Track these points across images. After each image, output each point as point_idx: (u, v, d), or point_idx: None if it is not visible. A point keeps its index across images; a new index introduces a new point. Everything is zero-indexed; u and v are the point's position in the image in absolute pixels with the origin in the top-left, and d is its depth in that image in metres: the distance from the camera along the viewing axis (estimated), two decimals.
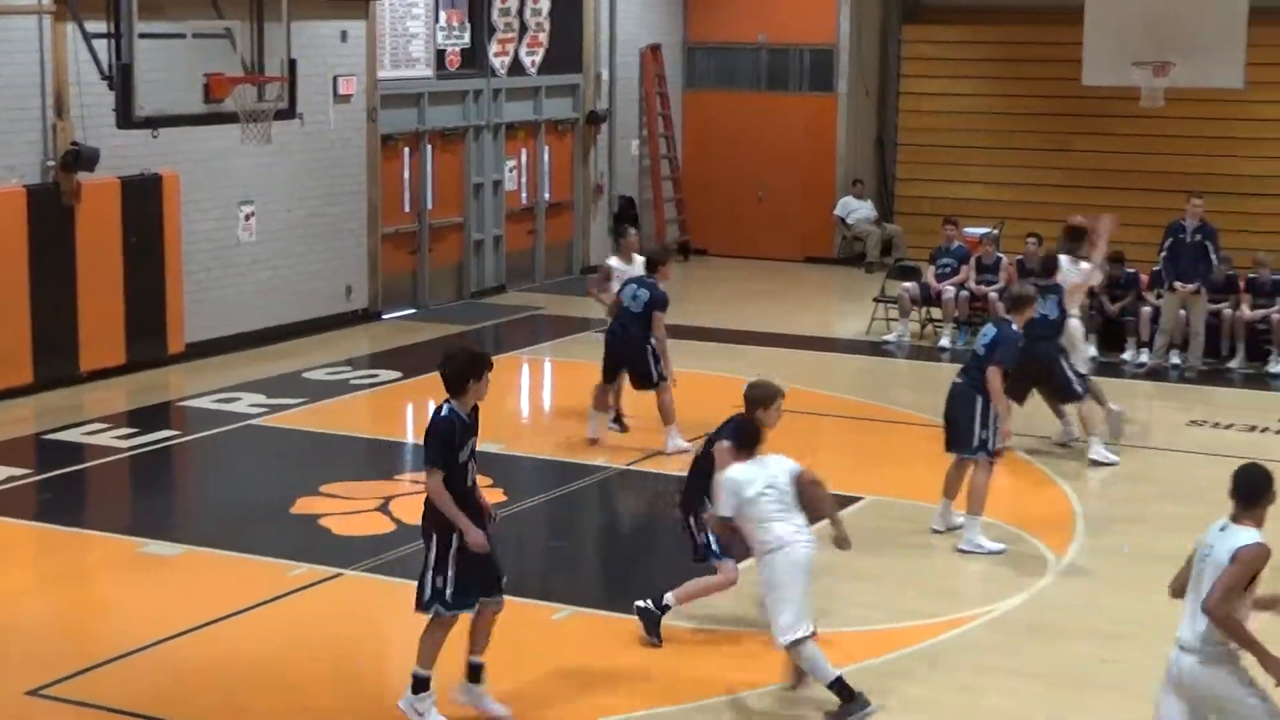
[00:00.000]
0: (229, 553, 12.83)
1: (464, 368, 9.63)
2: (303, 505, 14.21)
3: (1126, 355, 20.37)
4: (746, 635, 11.34)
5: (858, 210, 27.14)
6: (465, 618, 9.83)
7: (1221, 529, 8.08)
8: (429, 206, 23.57)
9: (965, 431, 13.34)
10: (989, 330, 13.64)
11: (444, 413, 9.61)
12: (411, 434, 17.47)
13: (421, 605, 9.73)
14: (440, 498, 9.53)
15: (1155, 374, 19.68)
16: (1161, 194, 23.44)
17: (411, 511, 13.77)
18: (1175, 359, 19.96)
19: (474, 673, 9.95)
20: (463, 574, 9.62)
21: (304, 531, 13.54)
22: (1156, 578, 12.38)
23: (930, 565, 12.83)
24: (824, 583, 12.22)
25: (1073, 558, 12.98)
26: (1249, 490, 8.08)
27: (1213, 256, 19.61)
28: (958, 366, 19.76)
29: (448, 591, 9.63)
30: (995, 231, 22.93)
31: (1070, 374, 15.62)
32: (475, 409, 9.72)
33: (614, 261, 17.10)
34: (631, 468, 15.56)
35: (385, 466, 15.63)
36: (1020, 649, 11.15)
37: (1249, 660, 7.90)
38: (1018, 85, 26.74)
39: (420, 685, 9.74)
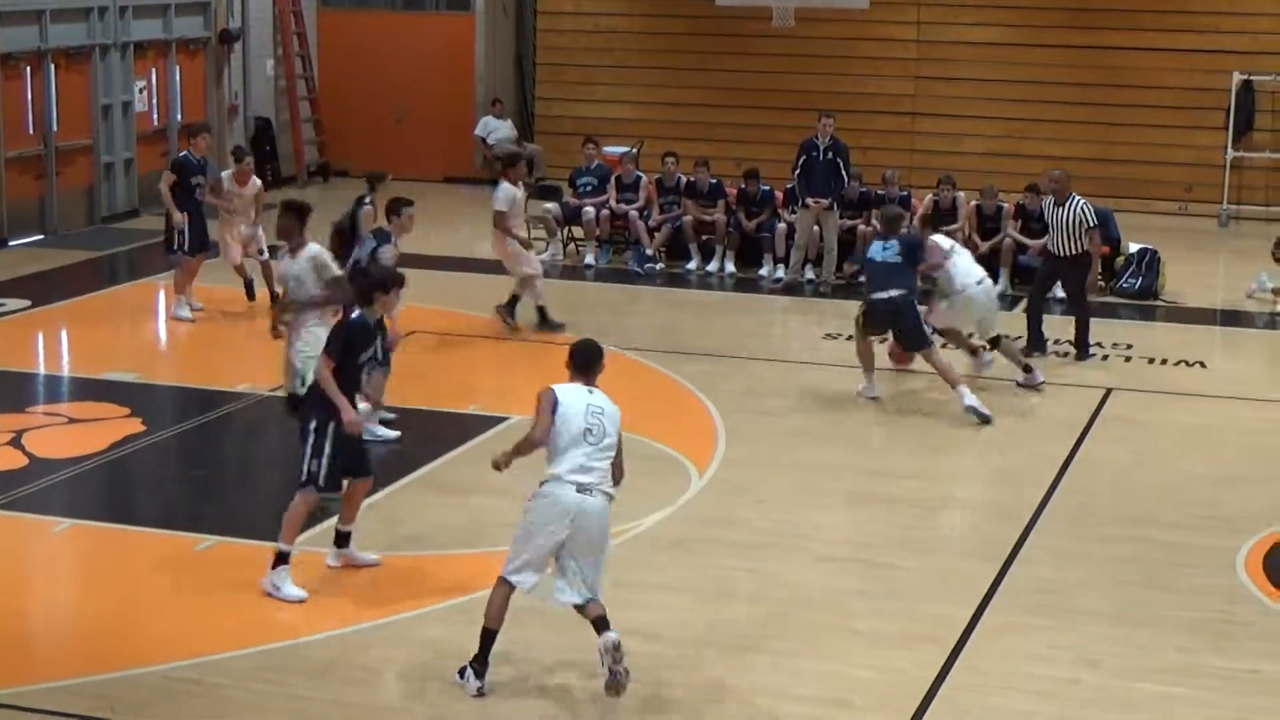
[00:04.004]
0: None
1: (376, 282, 11.02)
2: None
3: (763, 271, 20.85)
4: (393, 560, 11.33)
5: (498, 130, 27.10)
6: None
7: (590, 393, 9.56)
8: (54, 129, 22.69)
9: (916, 332, 15.15)
10: (893, 242, 15.26)
11: (354, 315, 10.87)
12: (43, 364, 16.93)
13: (300, 485, 10.72)
14: (327, 384, 10.58)
15: (791, 289, 20.19)
16: (795, 112, 23.97)
17: (46, 445, 13.43)
18: (810, 274, 20.50)
19: (343, 539, 11.09)
20: (335, 458, 10.67)
21: None
22: (795, 489, 12.89)
23: None
24: (476, 502, 12.35)
25: (714, 471, 13.26)
26: (583, 359, 9.73)
27: (844, 173, 20.16)
28: (602, 285, 20.35)
29: (321, 475, 10.67)
30: (635, 150, 23.17)
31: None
32: (380, 321, 11.03)
33: (225, 176, 18.43)
34: (275, 394, 15.32)
35: (16, 399, 15.08)
36: (663, 564, 11.37)
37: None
38: (654, 4, 27.03)
39: (281, 560, 10.63)
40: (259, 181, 18.40)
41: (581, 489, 9.40)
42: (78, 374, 16.08)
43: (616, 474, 9.60)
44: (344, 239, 14.60)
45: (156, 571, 11.17)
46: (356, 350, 10.82)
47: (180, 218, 17.91)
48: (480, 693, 9.37)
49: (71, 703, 9.18)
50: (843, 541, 11.88)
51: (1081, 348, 17.09)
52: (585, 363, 9.76)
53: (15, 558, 11.61)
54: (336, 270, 12.91)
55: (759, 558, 11.54)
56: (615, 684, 9.19)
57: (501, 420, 14.37)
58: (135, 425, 14.16)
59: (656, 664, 9.74)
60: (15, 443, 13.63)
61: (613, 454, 9.54)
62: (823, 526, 12.17)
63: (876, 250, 15.52)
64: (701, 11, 25.88)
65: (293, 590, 10.63)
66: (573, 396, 9.58)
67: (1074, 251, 16.75)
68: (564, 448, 9.46)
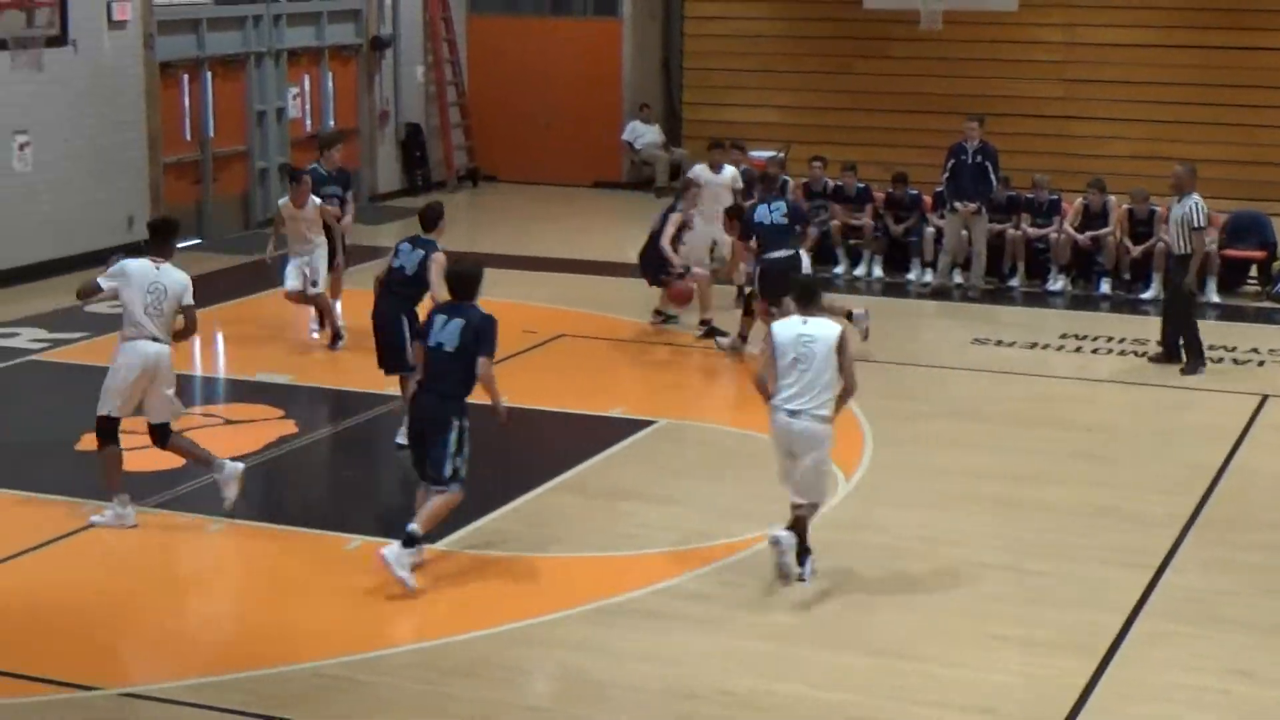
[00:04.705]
0: (13, 491, 12.57)
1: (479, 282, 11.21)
2: (89, 442, 13.89)
3: (911, 275, 20.74)
4: (538, 562, 11.42)
5: (645, 135, 27.19)
6: None
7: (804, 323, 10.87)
8: (211, 135, 23.14)
9: None
10: (779, 203, 16.40)
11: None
12: (200, 366, 17.23)
13: (443, 481, 10.93)
14: (491, 382, 10.93)
15: (939, 294, 20.07)
16: (942, 115, 23.80)
17: (202, 445, 13.66)
18: (958, 279, 20.36)
19: (412, 540, 10.85)
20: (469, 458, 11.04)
21: (90, 468, 13.27)
22: (942, 494, 12.80)
23: (725, 487, 12.97)
24: (623, 506, 12.42)
25: (860, 475, 13.21)
26: (802, 291, 11.22)
27: (993, 177, 20.00)
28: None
29: (462, 471, 10.97)
30: (781, 154, 23.12)
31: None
32: None
33: (283, 204, 17.08)
34: None
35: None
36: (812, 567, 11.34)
37: None
38: (801, 8, 26.94)
39: (412, 541, 10.75)
40: (318, 201, 17.04)
41: (792, 414, 10.79)
42: (233, 376, 16.35)
43: (847, 390, 10.96)
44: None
45: (308, 570, 11.34)
46: None
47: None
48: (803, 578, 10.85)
49: (223, 697, 9.33)
50: (990, 547, 11.78)
51: (1179, 352, 16.61)
52: (804, 295, 11.16)
53: (171, 556, 11.84)
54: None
55: (904, 563, 11.48)
56: (782, 573, 10.88)
57: (648, 424, 14.42)
58: (289, 427, 14.38)
59: (802, 667, 9.74)
60: None
61: (825, 377, 10.76)
62: (969, 532, 12.08)
63: (764, 213, 16.01)
64: (849, 14, 25.79)
65: (409, 577, 10.69)
66: (786, 331, 10.90)
67: (1181, 250, 16.48)
68: (779, 378, 10.86)
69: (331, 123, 25.31)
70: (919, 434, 14.50)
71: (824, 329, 10.83)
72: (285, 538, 11.96)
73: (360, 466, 14.02)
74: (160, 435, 12.20)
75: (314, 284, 16.91)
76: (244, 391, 15.52)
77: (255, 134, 23.85)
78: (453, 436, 10.91)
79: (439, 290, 12.86)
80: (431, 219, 13.81)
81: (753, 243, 16.35)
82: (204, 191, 23.07)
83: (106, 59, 21.01)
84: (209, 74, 23.01)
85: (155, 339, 12.00)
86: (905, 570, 11.34)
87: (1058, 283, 20.27)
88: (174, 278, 12.10)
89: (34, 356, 16.62)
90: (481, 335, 10.91)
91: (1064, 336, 18.01)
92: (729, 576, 11.13)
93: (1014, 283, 20.45)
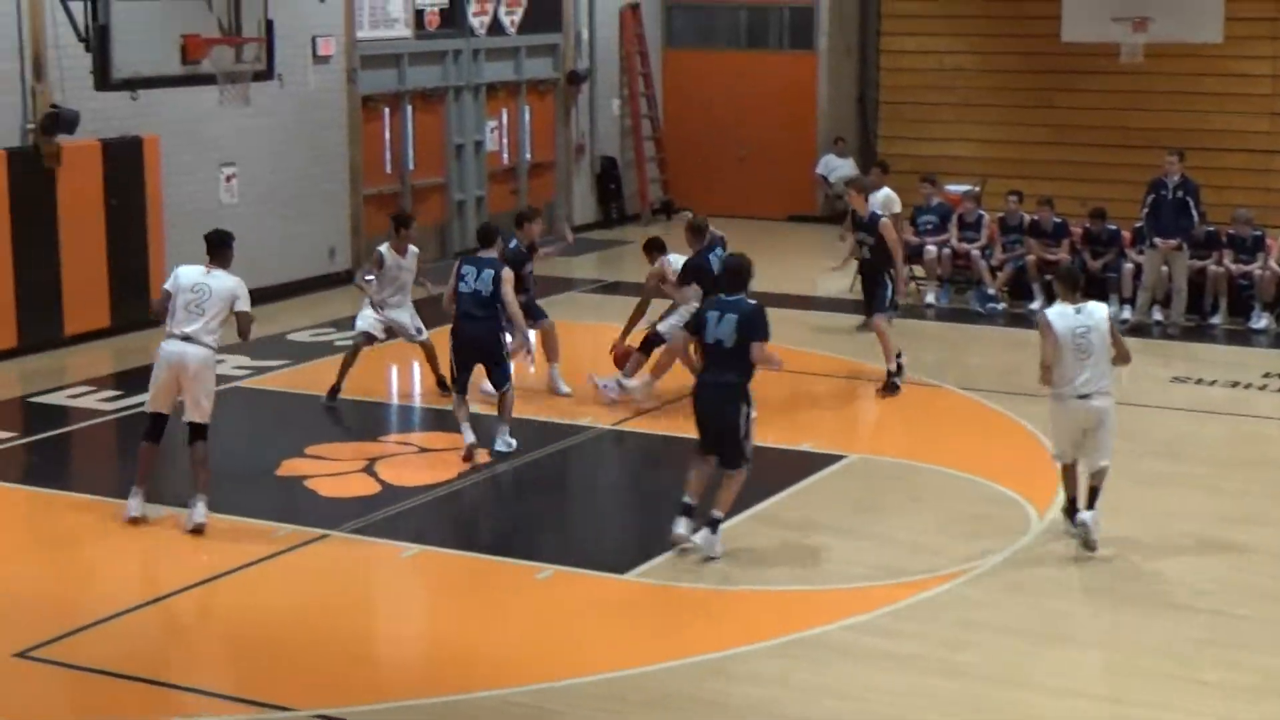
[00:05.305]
0: (215, 515, 12.83)
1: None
2: (288, 467, 14.23)
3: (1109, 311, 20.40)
4: (728, 594, 11.41)
5: (840, 168, 27.12)
6: None
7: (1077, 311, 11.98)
8: (410, 167, 23.53)
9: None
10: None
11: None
12: (395, 395, 17.50)
13: (736, 465, 11.92)
14: (769, 359, 11.89)
15: (1138, 330, 19.71)
16: (1142, 150, 23.43)
17: (396, 473, 13.90)
18: (1158, 315, 20.01)
19: (691, 511, 11.98)
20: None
21: (289, 493, 13.56)
22: (1141, 534, 12.56)
23: (915, 522, 12.87)
24: (814, 540, 12.37)
25: (1055, 514, 13.02)
26: (1069, 279, 12.34)
27: (1194, 212, 19.65)
28: (943, 325, 20.21)
29: (749, 453, 11.93)
30: (977, 189, 22.94)
31: None
32: None
33: (385, 250, 16.11)
34: (617, 428, 15.58)
35: (370, 428, 15.63)
36: (1001, 604, 11.20)
37: None
38: (998, 42, 26.70)
39: (717, 525, 11.82)
40: (417, 250, 16.40)
41: (1082, 397, 11.93)
42: (428, 405, 16.56)
43: (1121, 359, 12.11)
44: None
45: (498, 598, 11.43)
46: None
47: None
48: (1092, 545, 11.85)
49: None
50: (1191, 588, 11.53)
51: None
52: (1072, 283, 12.23)
53: (364, 581, 12.02)
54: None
55: (1100, 603, 11.28)
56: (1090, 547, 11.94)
57: (838, 458, 14.35)
58: (481, 455, 14.53)
59: (988, 706, 9.61)
60: (368, 470, 14.13)
61: (1106, 357, 11.92)
62: (1169, 573, 11.83)
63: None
64: (1047, 48, 25.49)
65: (720, 549, 11.83)
66: (1063, 321, 11.96)
67: None
68: (1062, 368, 11.93)
69: (528, 155, 25.60)
70: (1119, 472, 14.19)
71: (1095, 313, 12.08)
72: (476, 565, 12.07)
73: (552, 496, 14.12)
74: (192, 433, 12.65)
75: (419, 330, 16.30)
76: (440, 421, 15.71)
77: (454, 166, 24.20)
78: (741, 423, 11.80)
79: (515, 305, 14.38)
80: (490, 236, 14.76)
81: (690, 289, 15.90)
82: None
83: (311, 93, 21.47)
84: (409, 107, 23.41)
85: (187, 338, 12.50)
86: (1106, 610, 11.14)
87: (1261, 320, 19.83)
88: (223, 282, 12.66)
89: (238, 383, 16.99)
90: (754, 325, 11.83)
91: (1267, 375, 17.60)
92: (920, 613, 11.03)
93: (1215, 320, 20.04)
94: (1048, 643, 10.61)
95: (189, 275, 12.71)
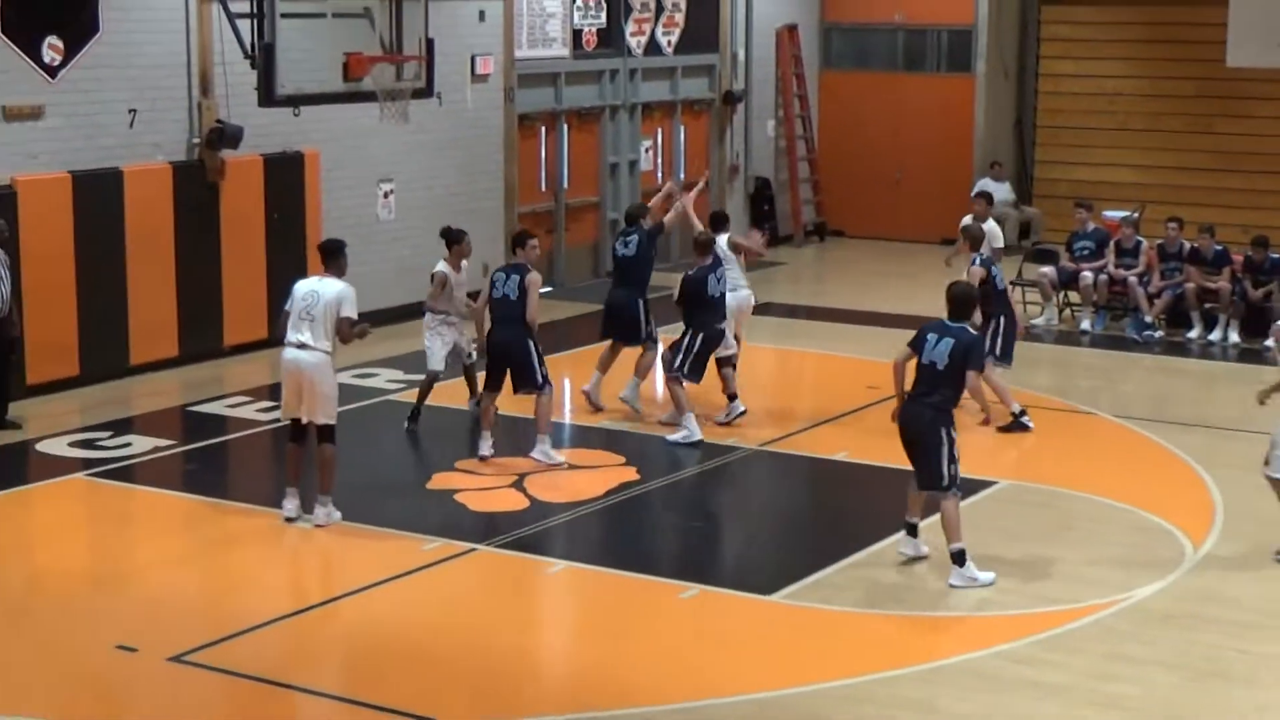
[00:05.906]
0: (366, 526, 13.02)
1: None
2: (439, 481, 14.39)
3: (1269, 342, 20.03)
4: (873, 618, 11.36)
5: (996, 192, 26.86)
6: None
7: None
8: (565, 186, 23.71)
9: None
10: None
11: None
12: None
13: (941, 488, 11.92)
14: (978, 393, 12.81)
15: None
16: None
17: (546, 489, 14.00)
18: None
19: (914, 530, 12.35)
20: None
21: (440, 507, 13.71)
22: None
23: (1066, 551, 12.73)
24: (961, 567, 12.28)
25: (1210, 546, 12.81)
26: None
27: None
28: (1097, 351, 19.96)
29: (957, 476, 11.95)
30: (1135, 215, 22.65)
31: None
32: None
33: (444, 268, 16.04)
34: (765, 448, 15.57)
35: (520, 444, 15.74)
36: (1153, 638, 11.05)
37: None
38: (1159, 66, 26.37)
39: (962, 557, 11.81)
40: (467, 264, 16.25)
41: None
42: (578, 422, 16.66)
43: None
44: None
45: (642, 616, 11.48)
46: None
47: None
48: None
49: None
50: None
51: None
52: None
53: (511, 595, 12.11)
54: None
55: (1255, 639, 11.08)
56: None
57: (988, 484, 14.22)
58: (630, 473, 14.60)
59: None
60: (518, 485, 14.25)
61: None
62: None
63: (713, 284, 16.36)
64: (1210, 73, 25.13)
65: (986, 574, 11.86)
66: None
67: None
68: None
69: (682, 175, 25.68)
70: (1275, 506, 13.98)
71: None
72: (622, 583, 12.12)
73: (698, 516, 14.15)
74: (318, 435, 12.98)
75: (470, 356, 16.12)
76: (590, 438, 15.79)
77: (608, 185, 24.35)
78: (944, 447, 11.87)
79: (536, 309, 14.63)
80: (520, 241, 15.08)
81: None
82: (557, 240, 23.63)
83: (469, 111, 21.72)
84: (565, 126, 23.59)
85: (301, 345, 12.86)
86: (1252, 647, 10.94)
87: None
88: (331, 287, 12.97)
89: (390, 397, 17.21)
90: (971, 353, 11.97)
91: None
92: (1068, 643, 10.91)
93: None
94: (1203, 678, 10.44)
95: (303, 284, 13.15)
